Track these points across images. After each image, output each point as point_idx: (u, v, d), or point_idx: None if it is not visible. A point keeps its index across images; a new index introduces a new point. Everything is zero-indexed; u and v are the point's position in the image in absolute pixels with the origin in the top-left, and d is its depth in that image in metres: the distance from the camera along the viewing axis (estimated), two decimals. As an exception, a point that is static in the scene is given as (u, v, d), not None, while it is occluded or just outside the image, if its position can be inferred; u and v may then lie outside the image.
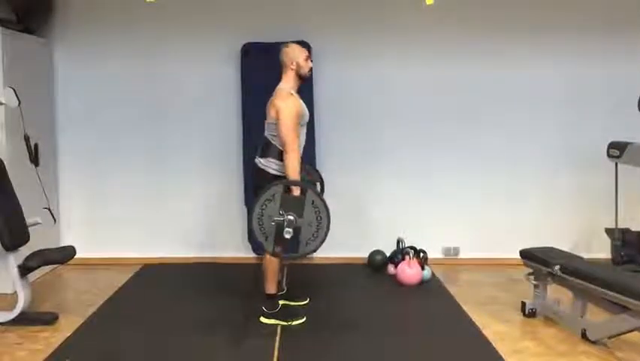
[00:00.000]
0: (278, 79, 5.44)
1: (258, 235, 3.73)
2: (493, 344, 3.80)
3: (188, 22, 5.63)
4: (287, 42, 4.33)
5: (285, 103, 4.00)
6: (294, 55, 4.14)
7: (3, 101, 4.47)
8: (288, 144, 3.93)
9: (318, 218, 3.69)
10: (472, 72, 5.65)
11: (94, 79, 5.68)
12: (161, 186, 5.77)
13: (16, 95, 4.41)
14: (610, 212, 5.26)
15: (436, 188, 5.75)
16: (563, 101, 5.71)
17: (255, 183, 4.14)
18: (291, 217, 3.67)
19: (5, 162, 4.30)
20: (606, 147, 5.17)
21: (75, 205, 5.77)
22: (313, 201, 3.70)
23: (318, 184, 4.87)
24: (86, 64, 5.67)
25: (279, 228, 3.67)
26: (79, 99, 5.71)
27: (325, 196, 5.46)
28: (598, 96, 5.68)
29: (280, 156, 4.03)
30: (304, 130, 4.18)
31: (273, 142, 4.07)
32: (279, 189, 3.74)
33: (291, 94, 4.09)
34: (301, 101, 4.12)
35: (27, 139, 4.55)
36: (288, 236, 3.64)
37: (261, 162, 4.11)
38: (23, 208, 4.30)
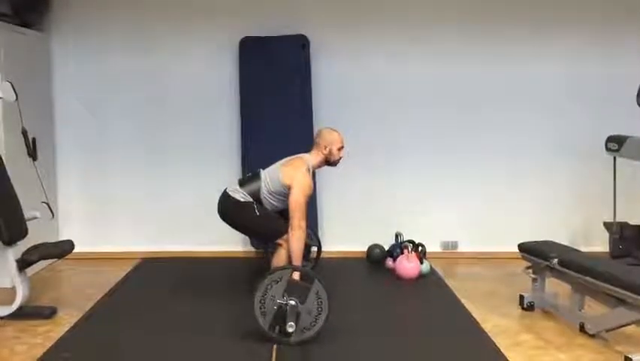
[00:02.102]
0: (276, 73, 5.47)
1: (256, 313, 3.72)
2: (492, 338, 3.81)
3: (186, 16, 5.61)
4: (328, 128, 4.37)
5: (304, 181, 4.05)
6: (329, 141, 4.21)
7: (1, 96, 4.45)
8: (295, 220, 3.95)
9: (319, 309, 3.70)
10: (471, 68, 5.65)
11: (92, 73, 5.66)
12: (160, 180, 5.76)
13: (14, 90, 4.39)
14: (608, 206, 5.27)
15: (435, 182, 5.76)
16: (562, 95, 5.71)
17: (224, 210, 4.23)
18: (293, 302, 3.66)
19: (3, 157, 4.28)
20: (604, 140, 5.17)
21: (73, 199, 5.77)
22: (318, 292, 3.70)
23: (315, 249, 5.01)
24: (84, 58, 5.66)
25: (280, 310, 3.66)
26: (77, 93, 5.69)
27: (324, 191, 5.50)
28: (597, 90, 5.69)
29: (257, 196, 4.10)
30: None
31: (262, 186, 4.12)
32: (286, 273, 3.75)
33: (310, 170, 4.14)
34: (312, 181, 4.16)
35: (25, 133, 4.54)
36: (290, 330, 3.64)
37: (235, 190, 4.16)
38: (21, 202, 4.29)
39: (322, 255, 5.52)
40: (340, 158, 4.28)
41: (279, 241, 4.13)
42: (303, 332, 3.70)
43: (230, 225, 4.29)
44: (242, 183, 4.23)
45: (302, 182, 4.03)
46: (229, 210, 4.21)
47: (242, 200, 4.12)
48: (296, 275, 3.77)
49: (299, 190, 4.00)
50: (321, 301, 3.69)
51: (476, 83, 5.67)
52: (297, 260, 3.95)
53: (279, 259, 4.15)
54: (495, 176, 5.76)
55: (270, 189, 4.12)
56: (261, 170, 4.23)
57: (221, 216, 4.27)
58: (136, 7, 5.60)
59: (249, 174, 4.32)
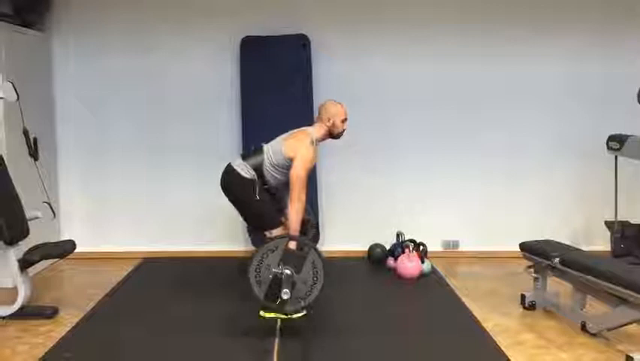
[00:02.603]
0: (277, 73, 5.47)
1: (252, 281, 3.72)
2: (493, 337, 3.81)
3: (187, 15, 5.61)
4: (331, 100, 4.31)
5: (308, 153, 4.00)
6: (333, 113, 4.17)
7: (2, 96, 4.45)
8: (295, 192, 3.91)
9: (314, 278, 3.69)
10: (471, 67, 5.65)
11: (93, 73, 5.66)
12: (161, 180, 5.76)
13: (15, 90, 4.40)
14: (609, 205, 5.26)
15: (436, 181, 5.76)
16: (563, 94, 5.70)
17: (226, 184, 4.16)
18: (289, 271, 3.66)
19: (5, 157, 4.29)
20: (606, 140, 5.16)
21: (75, 199, 5.77)
22: (314, 262, 3.70)
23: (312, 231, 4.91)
24: (85, 58, 5.66)
25: (276, 279, 3.67)
26: (78, 93, 5.69)
27: (325, 190, 5.50)
28: (597, 90, 5.68)
29: (260, 171, 4.06)
30: None
31: (265, 159, 4.08)
32: (283, 242, 3.75)
33: (314, 143, 4.10)
34: (316, 154, 4.13)
35: (26, 133, 4.55)
36: (285, 297, 3.64)
37: (239, 164, 4.11)
38: (23, 202, 4.29)
39: (323, 254, 5.52)
40: (344, 130, 4.23)
41: (267, 234, 4.09)
42: (297, 301, 3.69)
43: (229, 199, 4.21)
44: (245, 157, 4.17)
45: (305, 155, 3.99)
46: (231, 185, 4.13)
47: (246, 176, 4.06)
48: (292, 245, 3.75)
49: (301, 163, 3.96)
50: (316, 271, 3.68)
51: (476, 82, 5.67)
52: (295, 231, 3.90)
53: None
54: (496, 175, 5.75)
55: (272, 162, 4.07)
56: (264, 144, 4.18)
57: (223, 190, 4.20)
58: (136, 7, 5.60)
59: (253, 148, 4.25)
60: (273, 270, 3.67)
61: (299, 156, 3.98)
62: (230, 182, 4.14)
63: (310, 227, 4.66)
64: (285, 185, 4.06)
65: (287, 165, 4.04)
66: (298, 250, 3.75)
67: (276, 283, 3.65)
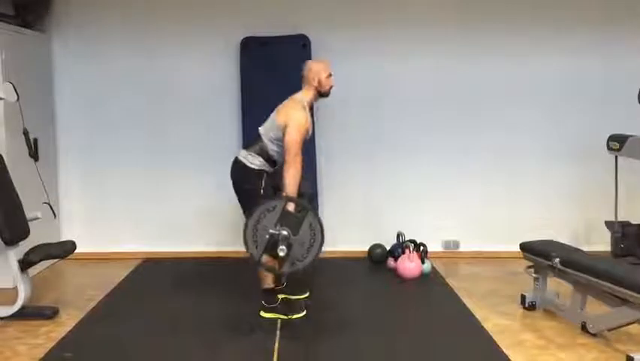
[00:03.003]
0: (277, 73, 5.47)
1: (248, 242, 3.72)
2: (494, 337, 3.81)
3: (187, 16, 5.61)
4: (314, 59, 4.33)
5: (298, 116, 3.97)
6: (316, 71, 4.12)
7: (2, 96, 4.45)
8: (290, 156, 3.89)
9: (312, 240, 3.68)
10: (471, 66, 5.64)
11: (93, 73, 5.67)
12: (161, 181, 5.76)
13: (15, 90, 4.40)
14: (610, 205, 5.26)
15: (436, 181, 5.75)
16: (563, 94, 5.70)
17: (234, 176, 4.13)
18: (286, 233, 3.65)
19: (5, 157, 4.29)
20: (606, 140, 5.16)
21: (75, 200, 5.77)
22: (311, 224, 3.69)
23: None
24: (85, 58, 5.66)
25: (272, 240, 3.65)
26: (78, 93, 5.70)
27: (326, 190, 5.50)
28: (597, 89, 5.68)
29: (266, 154, 4.03)
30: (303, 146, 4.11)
31: (264, 140, 4.05)
32: (280, 203, 3.73)
33: (305, 107, 4.07)
34: (310, 119, 4.10)
35: (26, 134, 4.55)
36: (282, 254, 3.62)
37: (244, 155, 4.08)
38: (23, 203, 4.29)
39: (324, 255, 5.51)
40: (331, 87, 4.17)
41: None
42: (294, 263, 3.68)
43: (235, 191, 4.18)
44: (247, 146, 4.15)
45: (297, 119, 3.95)
46: (238, 177, 4.11)
47: (251, 167, 4.03)
48: (290, 206, 3.74)
49: (294, 127, 3.92)
50: (314, 233, 3.66)
51: (476, 82, 5.67)
52: (292, 192, 3.85)
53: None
54: (496, 175, 5.75)
55: (271, 138, 4.03)
56: (260, 128, 4.14)
57: (232, 183, 4.17)
58: (137, 7, 5.61)
59: (253, 137, 4.21)
60: (270, 230, 3.65)
61: (291, 121, 3.94)
62: (237, 174, 4.11)
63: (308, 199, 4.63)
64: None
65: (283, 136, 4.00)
66: (296, 212, 3.72)
67: (273, 244, 3.63)
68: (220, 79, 5.65)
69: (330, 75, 4.16)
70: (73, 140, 5.73)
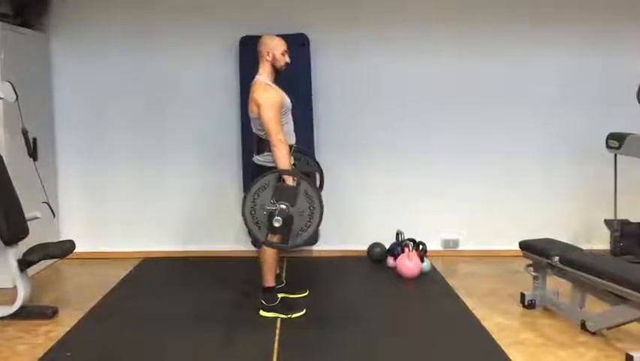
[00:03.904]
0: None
1: (249, 224, 3.71)
2: (493, 336, 3.81)
3: (186, 15, 5.61)
4: (268, 34, 4.28)
5: (263, 95, 3.95)
6: (272, 46, 4.09)
7: (1, 96, 4.45)
8: (272, 135, 3.87)
9: (311, 208, 3.66)
10: (471, 64, 5.64)
11: (92, 72, 5.66)
12: (161, 180, 5.76)
13: (14, 90, 4.39)
14: (609, 203, 5.26)
15: (435, 180, 5.75)
16: (562, 92, 5.70)
17: (254, 177, 4.12)
18: (284, 206, 3.64)
19: (4, 157, 4.29)
20: (605, 138, 5.16)
21: (74, 199, 5.77)
22: (306, 191, 3.67)
23: (317, 176, 4.85)
24: (84, 58, 5.66)
25: (272, 217, 3.64)
26: (77, 93, 5.69)
27: (324, 188, 5.49)
28: (597, 88, 5.67)
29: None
30: (289, 117, 4.13)
31: (263, 137, 4.04)
32: (272, 178, 3.72)
33: (268, 85, 4.04)
34: (279, 90, 4.06)
35: (25, 133, 4.54)
36: (277, 224, 3.60)
37: (259, 159, 4.09)
38: (22, 203, 4.29)
39: (323, 254, 5.54)
40: (286, 63, 4.13)
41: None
42: (298, 235, 3.68)
43: None
44: (257, 151, 4.11)
45: (262, 98, 3.92)
46: (256, 175, 4.04)
47: (268, 165, 3.99)
48: (288, 180, 3.73)
49: (264, 108, 3.90)
50: (311, 200, 3.65)
51: (476, 81, 5.66)
52: (284, 166, 3.82)
53: (264, 254, 4.12)
54: (495, 174, 5.75)
55: (259, 131, 4.01)
56: (253, 130, 4.13)
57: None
58: (136, 7, 5.60)
59: (254, 141, 4.16)
60: (267, 208, 3.64)
61: (260, 104, 3.92)
62: (255, 173, 4.06)
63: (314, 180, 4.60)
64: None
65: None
66: (293, 183, 3.72)
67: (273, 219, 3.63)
68: (219, 78, 5.65)
69: (285, 52, 4.13)
70: (72, 139, 5.73)
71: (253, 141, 4.16)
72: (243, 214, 3.73)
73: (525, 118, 5.71)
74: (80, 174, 5.77)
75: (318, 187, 4.77)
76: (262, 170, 3.98)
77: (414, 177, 5.75)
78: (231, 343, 3.75)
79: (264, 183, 3.70)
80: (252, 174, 4.16)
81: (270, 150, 3.97)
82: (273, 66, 4.11)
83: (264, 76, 4.09)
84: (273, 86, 4.08)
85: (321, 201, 3.69)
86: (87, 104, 5.70)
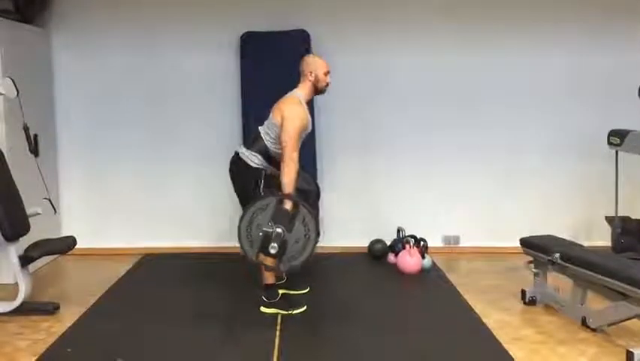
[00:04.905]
0: (277, 69, 5.46)
1: (243, 241, 3.73)
2: (494, 333, 3.81)
3: (187, 11, 5.60)
4: (311, 54, 4.35)
5: (294, 111, 3.96)
6: (315, 67, 4.10)
7: (2, 92, 4.45)
8: (287, 153, 3.87)
9: (306, 236, 3.68)
10: (472, 61, 5.63)
11: (93, 68, 5.66)
12: (162, 176, 5.77)
13: (15, 86, 4.39)
14: (610, 200, 5.25)
15: (436, 177, 5.75)
16: (563, 89, 5.69)
17: (234, 173, 4.15)
18: (280, 230, 3.65)
19: (5, 153, 4.29)
20: (606, 135, 5.16)
21: (75, 196, 5.78)
22: (304, 219, 3.69)
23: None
24: (85, 53, 5.65)
25: (266, 238, 3.66)
26: (78, 89, 5.69)
27: (326, 184, 5.50)
28: (598, 84, 5.67)
29: (267, 154, 4.04)
30: (301, 142, 4.12)
31: (264, 139, 4.05)
32: (273, 200, 3.74)
33: (302, 103, 4.05)
34: (307, 113, 4.08)
35: (26, 129, 4.54)
36: (273, 251, 3.63)
37: (244, 152, 4.09)
38: (23, 199, 4.29)
39: (324, 250, 5.53)
40: (328, 84, 4.15)
41: None
42: (290, 260, 3.70)
43: (234, 189, 4.20)
44: (249, 145, 4.14)
45: (292, 114, 3.93)
46: (238, 175, 4.12)
47: (252, 165, 4.04)
48: (287, 204, 3.74)
49: (289, 122, 3.90)
50: (308, 229, 3.67)
51: (477, 78, 5.66)
52: (289, 190, 3.83)
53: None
54: (496, 171, 5.75)
55: (272, 138, 4.03)
56: (260, 127, 4.15)
57: (231, 180, 4.19)
58: (137, 3, 5.60)
59: (253, 135, 4.21)
60: (264, 228, 3.65)
61: (287, 117, 3.93)
62: (238, 172, 4.13)
63: (311, 199, 4.62)
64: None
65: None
66: (292, 209, 3.73)
67: (267, 242, 3.64)
68: (220, 74, 5.64)
69: (328, 72, 4.14)
70: (73, 135, 5.73)
71: (250, 135, 4.16)
72: (239, 229, 3.74)
73: (526, 115, 5.70)
74: (81, 171, 5.77)
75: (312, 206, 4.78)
76: (243, 165, 4.03)
77: (415, 174, 5.75)
78: (232, 339, 3.76)
79: (264, 204, 3.71)
80: (231, 164, 4.16)
81: (260, 153, 4.02)
82: (315, 87, 4.12)
83: (301, 93, 4.10)
84: (304, 105, 4.08)
85: (317, 232, 3.71)
86: (88, 101, 5.70)
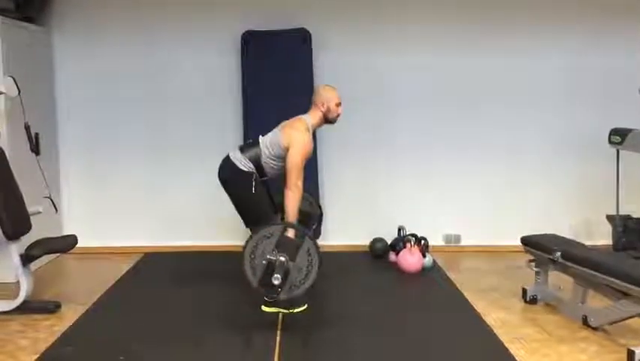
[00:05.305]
0: (278, 68, 5.47)
1: (245, 267, 3.74)
2: (494, 331, 3.81)
3: (187, 10, 5.60)
4: (324, 85, 4.35)
5: (302, 138, 3.99)
6: (327, 98, 4.13)
7: (3, 91, 4.45)
8: (292, 179, 3.91)
9: (309, 267, 3.70)
10: (472, 61, 5.64)
11: (94, 67, 5.66)
12: (163, 175, 5.77)
13: (16, 85, 4.39)
14: (611, 199, 5.25)
15: (437, 176, 5.76)
16: (563, 88, 5.70)
17: (224, 178, 4.16)
18: (283, 258, 3.67)
19: (6, 152, 4.29)
20: (607, 133, 5.16)
21: (76, 194, 5.78)
22: (309, 249, 3.71)
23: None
24: (86, 52, 5.65)
25: (270, 266, 3.67)
26: (79, 88, 5.69)
27: (327, 184, 5.51)
28: (597, 84, 5.67)
29: (257, 162, 4.05)
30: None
31: (261, 149, 4.08)
32: (278, 229, 3.75)
33: (309, 130, 4.08)
34: (312, 142, 4.11)
35: (27, 128, 4.54)
36: (276, 282, 3.64)
37: (236, 156, 4.10)
38: (24, 197, 4.30)
39: (325, 249, 5.51)
40: (339, 115, 4.19)
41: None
42: (291, 289, 3.71)
43: (226, 191, 4.21)
44: (242, 150, 4.16)
45: (300, 141, 3.97)
46: (229, 178, 4.13)
47: (243, 169, 4.06)
48: (290, 233, 3.76)
49: (297, 150, 3.95)
50: (311, 259, 3.68)
51: (477, 77, 5.66)
52: (292, 218, 3.89)
53: None
54: (497, 170, 5.75)
55: (271, 154, 4.05)
56: (260, 136, 4.17)
57: (221, 183, 4.20)
58: (137, 2, 5.60)
59: (249, 141, 4.26)
60: (268, 256, 3.67)
61: (295, 143, 3.97)
62: (228, 175, 4.14)
63: (313, 222, 4.66)
64: (284, 176, 4.04)
65: (285, 156, 4.03)
66: (296, 237, 3.75)
67: (270, 270, 3.65)
68: (221, 73, 5.64)
69: (339, 104, 4.18)
70: (74, 134, 5.73)
71: (249, 141, 4.20)
72: (242, 256, 3.75)
73: (527, 114, 5.71)
74: (82, 169, 5.77)
75: (313, 227, 4.80)
76: (231, 165, 4.05)
77: (416, 173, 5.75)
78: (233, 337, 3.76)
79: (269, 232, 3.73)
80: (220, 167, 4.17)
81: (251, 160, 4.05)
82: (325, 117, 4.16)
83: (311, 120, 4.13)
84: (310, 133, 4.11)
85: (320, 262, 3.72)
86: (89, 99, 5.70)
